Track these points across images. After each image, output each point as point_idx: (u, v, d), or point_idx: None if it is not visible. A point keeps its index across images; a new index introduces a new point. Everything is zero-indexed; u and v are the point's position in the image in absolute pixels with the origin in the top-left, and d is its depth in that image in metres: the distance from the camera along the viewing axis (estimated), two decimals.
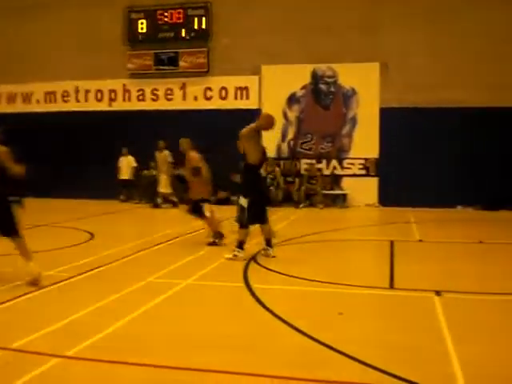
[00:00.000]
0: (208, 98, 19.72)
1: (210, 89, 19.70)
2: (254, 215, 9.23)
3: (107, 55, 20.18)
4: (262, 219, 9.45)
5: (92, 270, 8.38)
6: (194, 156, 11.03)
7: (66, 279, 7.75)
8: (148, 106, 20.17)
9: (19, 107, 21.47)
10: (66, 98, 21.04)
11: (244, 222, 9.29)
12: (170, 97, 20.07)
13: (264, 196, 9.92)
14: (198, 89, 19.77)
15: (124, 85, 20.46)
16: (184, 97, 19.90)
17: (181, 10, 19.63)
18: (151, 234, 11.14)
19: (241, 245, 9.33)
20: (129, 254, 9.75)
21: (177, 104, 19.87)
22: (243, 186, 9.39)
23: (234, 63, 19.23)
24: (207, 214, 10.90)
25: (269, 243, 9.59)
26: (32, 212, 16.50)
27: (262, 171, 9.68)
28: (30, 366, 4.66)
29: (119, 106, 20.47)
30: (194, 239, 11.44)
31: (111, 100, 20.63)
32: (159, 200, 18.29)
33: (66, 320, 5.85)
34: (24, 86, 21.33)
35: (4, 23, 21.27)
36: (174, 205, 17.87)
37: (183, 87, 19.89)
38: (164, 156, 18.19)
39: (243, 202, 9.20)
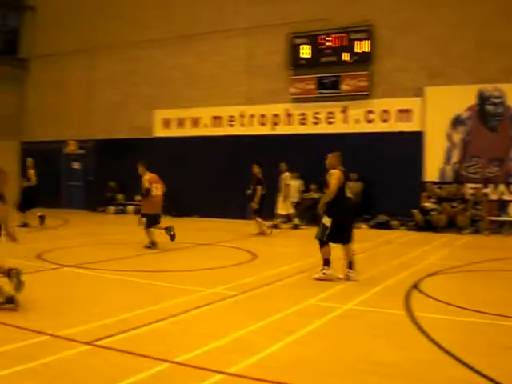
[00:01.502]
0: (369, 121, 19.62)
1: (371, 112, 19.60)
2: (337, 235, 9.35)
3: (271, 80, 20.80)
4: (344, 239, 9.49)
5: (255, 289, 8.63)
6: (144, 179, 13.41)
7: (231, 297, 8.04)
8: (309, 129, 20.43)
9: (188, 131, 22.71)
10: (231, 123, 21.93)
11: (323, 239, 9.38)
12: (331, 120, 20.21)
13: (348, 217, 9.73)
14: (359, 112, 19.75)
15: (287, 109, 20.93)
16: (345, 120, 19.97)
17: (343, 34, 19.74)
18: (313, 255, 11.23)
19: (326, 262, 9.42)
20: (290, 274, 9.92)
21: (338, 128, 19.96)
22: (328, 205, 9.40)
23: (396, 85, 18.99)
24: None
25: (351, 266, 9.48)
26: (198, 231, 17.31)
27: (348, 192, 9.77)
28: (193, 380, 4.86)
29: (282, 129, 20.94)
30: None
31: (274, 124, 21.16)
32: (278, 221, 18.51)
33: (229, 337, 6.07)
34: (193, 111, 22.54)
35: (172, 52, 22.74)
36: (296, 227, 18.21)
37: (344, 110, 19.95)
38: (282, 178, 18.51)
39: (326, 221, 9.33)
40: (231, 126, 21.92)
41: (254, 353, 5.52)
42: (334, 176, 9.33)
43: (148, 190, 13.26)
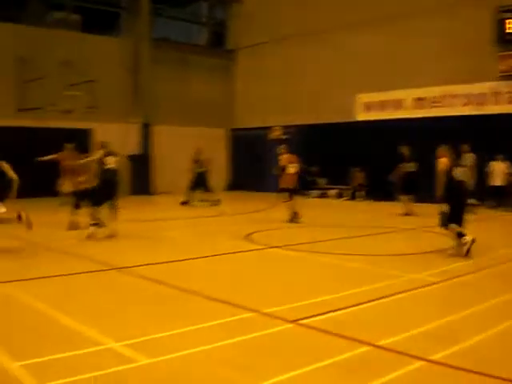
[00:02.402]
0: None
1: None
2: (456, 218, 9.98)
3: (475, 58, 19.74)
4: (459, 222, 10.03)
5: (459, 276, 8.41)
6: (282, 157, 15.14)
7: (435, 283, 7.91)
8: None
9: (390, 114, 22.47)
10: (434, 104, 21.29)
11: (446, 224, 10.06)
12: None
13: (461, 200, 10.32)
14: None
15: (493, 88, 19.82)
16: None
17: None
18: None
19: (460, 234, 9.89)
20: (494, 263, 9.51)
21: None
22: (443, 194, 10.08)
23: None
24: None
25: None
26: (400, 215, 17.09)
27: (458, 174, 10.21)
28: (393, 365, 4.84)
29: (488, 110, 19.86)
30: None
31: (479, 104, 20.15)
32: None
33: (433, 323, 5.99)
34: (394, 93, 22.25)
35: (372, 35, 22.60)
36: None
37: None
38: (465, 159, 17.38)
39: (443, 207, 10.01)
40: (434, 107, 21.30)
41: (459, 341, 5.40)
42: (440, 162, 10.23)
43: (283, 167, 14.96)
